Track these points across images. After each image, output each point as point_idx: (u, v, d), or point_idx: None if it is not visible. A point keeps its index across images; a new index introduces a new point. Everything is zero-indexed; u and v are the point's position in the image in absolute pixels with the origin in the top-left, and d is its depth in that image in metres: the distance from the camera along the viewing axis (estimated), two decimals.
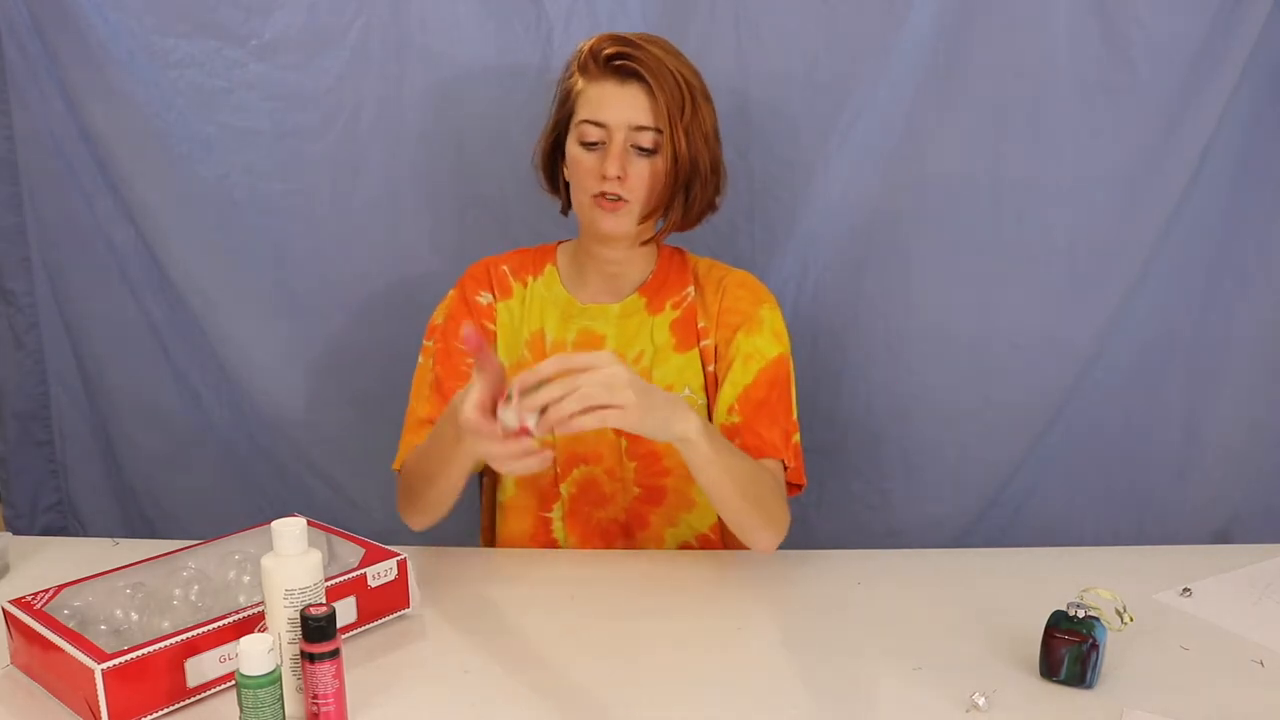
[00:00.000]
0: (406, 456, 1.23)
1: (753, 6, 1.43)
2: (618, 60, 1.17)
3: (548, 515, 1.30)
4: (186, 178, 1.53)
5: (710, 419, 1.24)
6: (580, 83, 1.20)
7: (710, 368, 1.26)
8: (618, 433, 1.26)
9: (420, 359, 1.27)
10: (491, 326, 1.28)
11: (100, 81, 1.49)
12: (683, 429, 1.03)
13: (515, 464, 0.97)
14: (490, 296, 1.29)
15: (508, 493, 1.31)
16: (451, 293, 1.30)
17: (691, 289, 1.27)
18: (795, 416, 1.25)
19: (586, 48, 1.19)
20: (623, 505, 1.29)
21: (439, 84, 1.50)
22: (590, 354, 0.96)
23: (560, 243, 1.33)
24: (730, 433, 1.20)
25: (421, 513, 1.20)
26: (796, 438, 1.24)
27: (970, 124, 1.43)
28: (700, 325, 1.26)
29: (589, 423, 0.93)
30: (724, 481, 1.08)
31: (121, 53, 1.48)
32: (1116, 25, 1.37)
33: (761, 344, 1.24)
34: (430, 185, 1.54)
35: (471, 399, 0.96)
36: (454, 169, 1.53)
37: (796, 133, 1.46)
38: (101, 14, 1.47)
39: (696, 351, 1.26)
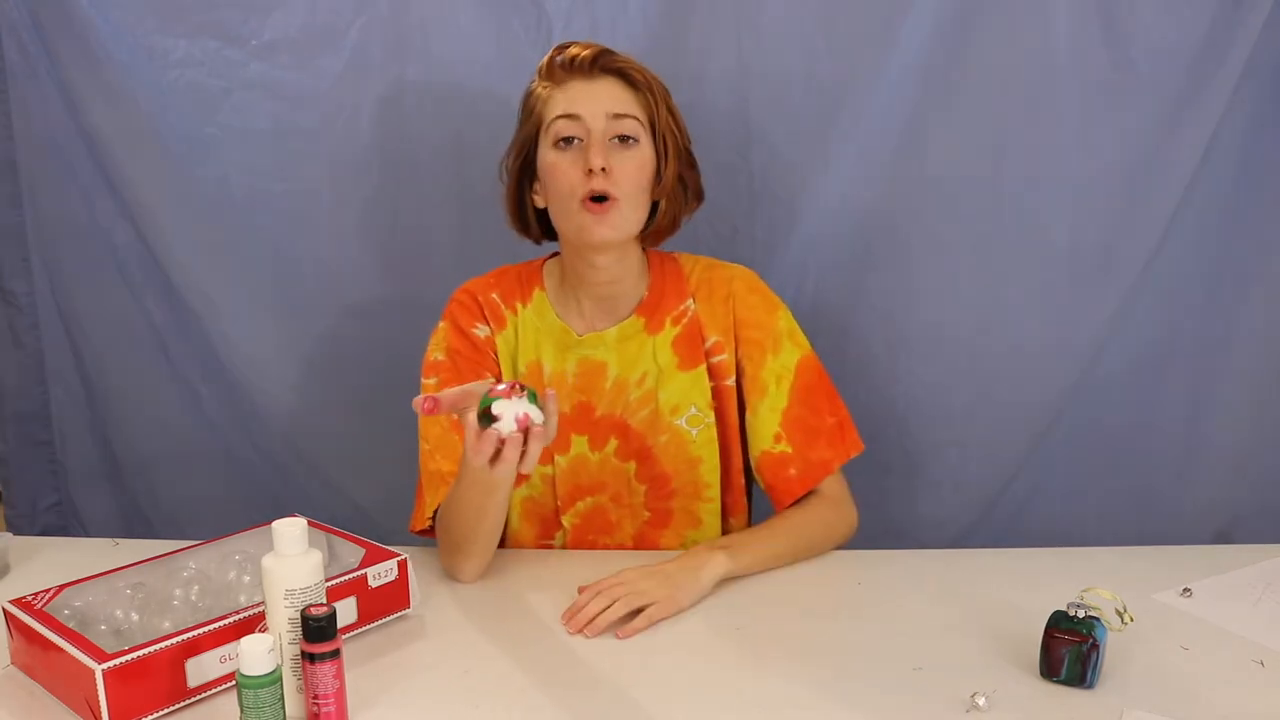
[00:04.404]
0: (439, 511, 1.17)
1: (753, 6, 1.42)
2: (586, 60, 1.15)
3: (549, 544, 1.30)
4: (186, 178, 1.53)
5: (741, 438, 1.26)
6: (544, 88, 1.17)
7: (728, 381, 1.25)
8: (623, 458, 1.25)
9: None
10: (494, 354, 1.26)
11: (100, 81, 1.49)
12: (712, 577, 1.11)
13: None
14: (487, 329, 1.25)
15: (511, 525, 1.29)
16: (442, 325, 1.27)
17: (691, 301, 1.25)
18: (837, 394, 1.28)
19: (545, 59, 1.18)
20: (630, 532, 1.28)
21: (439, 84, 1.50)
22: (603, 581, 1.07)
23: (545, 260, 1.30)
24: (782, 463, 1.22)
25: (477, 557, 1.15)
26: (844, 413, 1.27)
27: (970, 124, 1.43)
28: (710, 340, 1.24)
29: (639, 623, 1.04)
30: (777, 564, 1.19)
31: (121, 53, 1.48)
32: (1116, 25, 1.37)
33: (785, 358, 1.24)
34: (430, 185, 1.54)
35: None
36: (454, 169, 1.53)
37: (796, 133, 1.45)
38: (101, 14, 1.47)
39: (704, 368, 1.24)
